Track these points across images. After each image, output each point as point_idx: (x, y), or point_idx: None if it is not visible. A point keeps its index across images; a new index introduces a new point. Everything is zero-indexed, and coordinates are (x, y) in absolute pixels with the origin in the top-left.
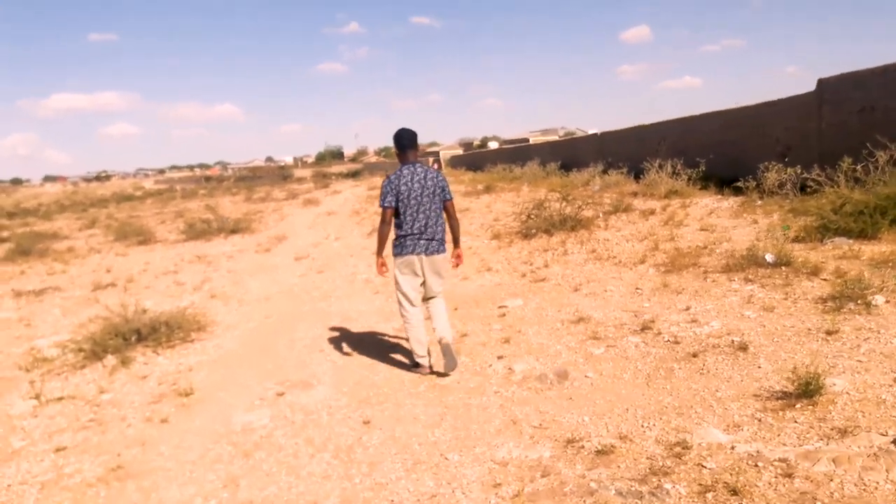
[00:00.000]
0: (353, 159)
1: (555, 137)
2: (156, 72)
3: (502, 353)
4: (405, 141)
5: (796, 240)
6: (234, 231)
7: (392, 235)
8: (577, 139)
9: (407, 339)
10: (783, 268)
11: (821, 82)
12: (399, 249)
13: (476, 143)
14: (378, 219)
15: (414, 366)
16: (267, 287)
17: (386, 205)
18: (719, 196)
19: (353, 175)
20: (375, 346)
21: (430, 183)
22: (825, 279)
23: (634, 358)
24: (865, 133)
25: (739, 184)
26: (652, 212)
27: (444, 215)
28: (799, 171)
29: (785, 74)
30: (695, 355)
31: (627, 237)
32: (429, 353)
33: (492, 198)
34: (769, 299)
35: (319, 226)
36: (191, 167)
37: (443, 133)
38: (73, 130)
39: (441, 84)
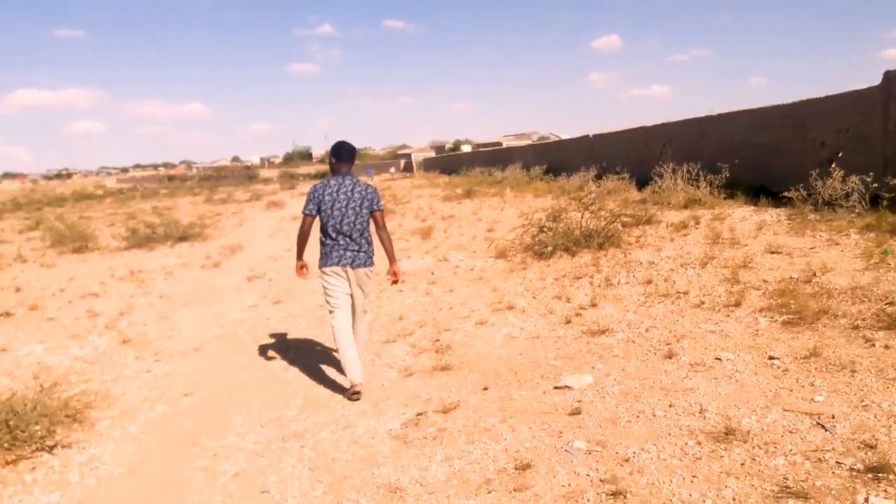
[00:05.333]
0: (322, 160)
1: (528, 142)
2: (124, 69)
3: None
4: (342, 153)
5: None
6: (182, 238)
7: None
8: (565, 141)
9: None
10: None
11: (888, 75)
12: (324, 260)
13: (448, 146)
14: None
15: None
16: (202, 325)
17: (306, 213)
18: (754, 207)
19: (322, 176)
20: (369, 482)
21: (356, 195)
22: None
23: None
24: None
25: (788, 193)
26: (683, 225)
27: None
28: (869, 179)
29: (750, 85)
30: None
31: (679, 260)
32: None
33: (475, 203)
34: None
35: (282, 233)
36: (155, 166)
37: (414, 136)
38: (37, 127)
39: (412, 87)
